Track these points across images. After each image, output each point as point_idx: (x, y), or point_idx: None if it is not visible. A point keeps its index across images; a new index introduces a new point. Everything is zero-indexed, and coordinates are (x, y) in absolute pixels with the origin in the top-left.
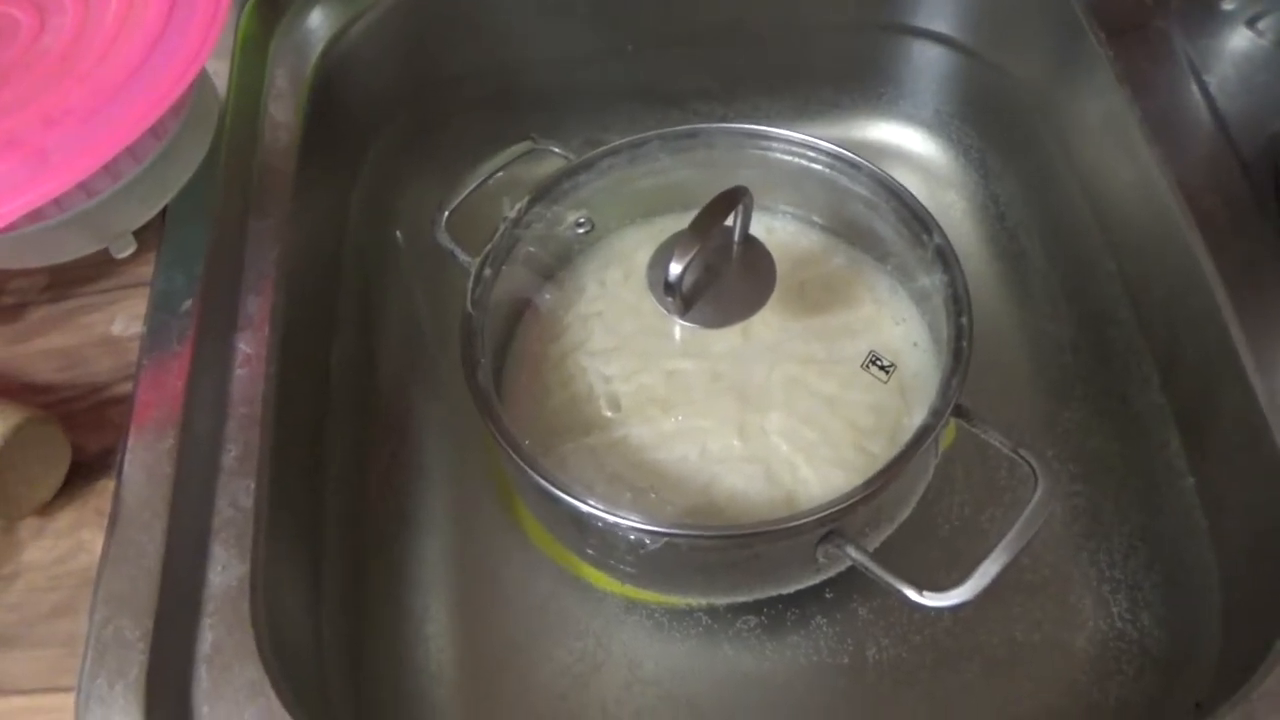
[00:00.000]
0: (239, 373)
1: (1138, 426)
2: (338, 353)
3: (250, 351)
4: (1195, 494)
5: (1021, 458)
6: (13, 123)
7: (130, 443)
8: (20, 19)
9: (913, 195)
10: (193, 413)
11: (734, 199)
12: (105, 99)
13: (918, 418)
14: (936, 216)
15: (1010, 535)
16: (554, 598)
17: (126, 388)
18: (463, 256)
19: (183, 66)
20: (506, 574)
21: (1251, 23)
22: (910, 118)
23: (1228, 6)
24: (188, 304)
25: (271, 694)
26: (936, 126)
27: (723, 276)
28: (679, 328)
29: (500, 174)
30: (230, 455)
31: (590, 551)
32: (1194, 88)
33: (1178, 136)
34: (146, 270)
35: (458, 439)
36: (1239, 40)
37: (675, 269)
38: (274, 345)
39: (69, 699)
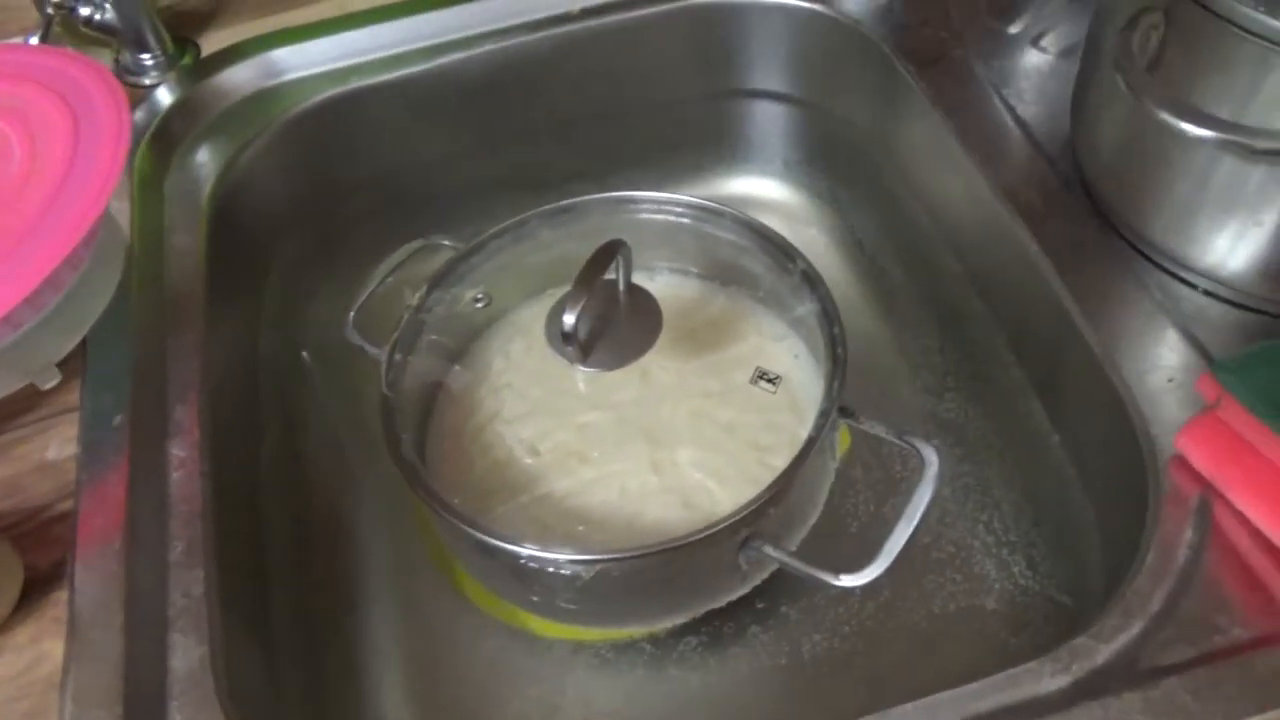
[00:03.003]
0: (175, 475)
1: (1006, 402)
2: (268, 448)
3: (184, 454)
4: (1062, 449)
5: (906, 443)
6: None
7: (79, 552)
8: None
9: (774, 230)
10: (136, 516)
11: (612, 250)
12: (20, 238)
13: (810, 429)
14: (803, 251)
15: (910, 509)
16: (503, 652)
17: (69, 505)
18: (372, 350)
19: (88, 204)
20: (454, 638)
21: (1036, 41)
22: (764, 170)
23: (1014, 30)
24: (119, 419)
25: None
26: (788, 174)
27: (614, 323)
28: (585, 384)
29: (398, 271)
30: (177, 550)
31: (535, 599)
32: (997, 102)
33: (990, 145)
34: (72, 398)
35: (392, 520)
36: (1029, 57)
37: (569, 319)
38: (205, 447)
39: None
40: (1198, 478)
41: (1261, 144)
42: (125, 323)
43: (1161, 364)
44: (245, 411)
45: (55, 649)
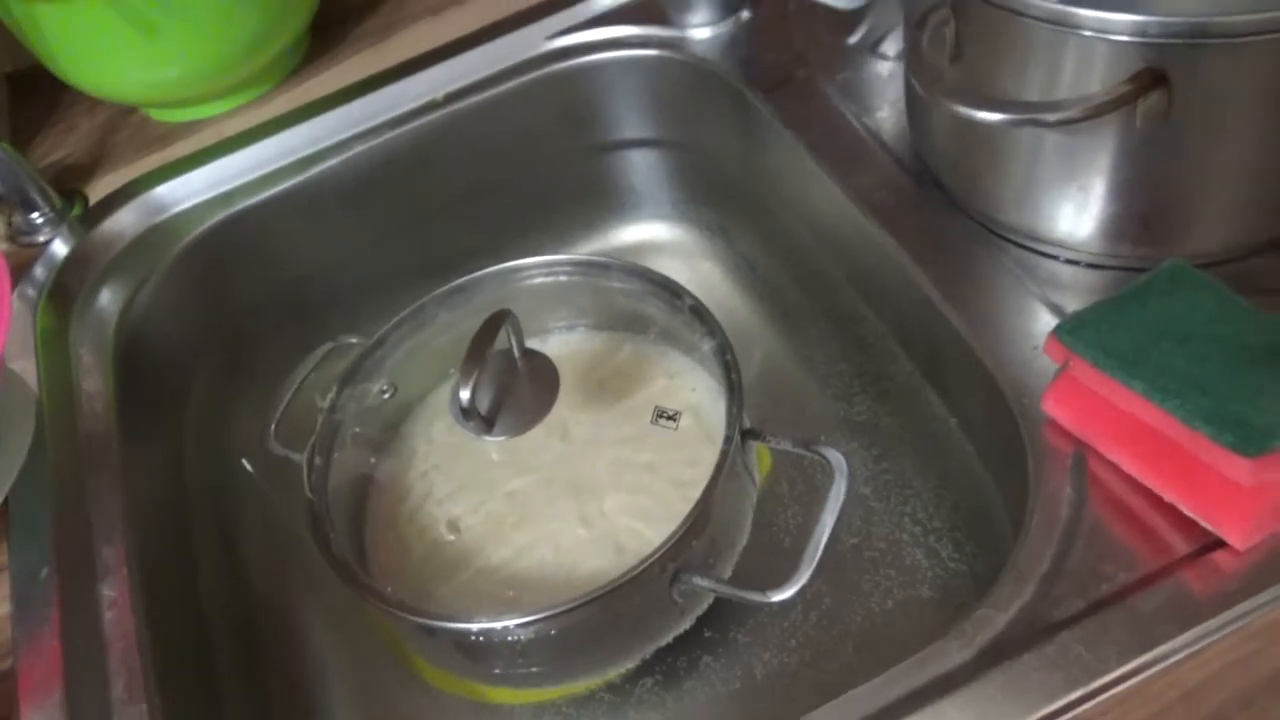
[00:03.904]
0: (109, 615)
1: (906, 396)
2: (207, 569)
3: (114, 594)
4: (960, 431)
5: (814, 453)
6: None
7: (22, 707)
8: None
9: (657, 272)
10: (73, 663)
11: (497, 321)
12: None
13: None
14: (700, 287)
15: (824, 516)
16: None
17: (9, 663)
18: (296, 457)
19: None
20: None
21: (874, 48)
22: (654, 215)
23: (852, 41)
24: (45, 571)
25: None
26: (677, 214)
27: (515, 390)
28: (507, 453)
29: (312, 376)
30: (118, 689)
31: (485, 670)
32: (844, 113)
33: (841, 155)
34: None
35: (345, 615)
36: (870, 65)
37: (464, 395)
38: (136, 583)
39: None
40: (1069, 436)
41: (1052, 117)
42: (43, 476)
43: (1026, 334)
44: (177, 539)
45: None
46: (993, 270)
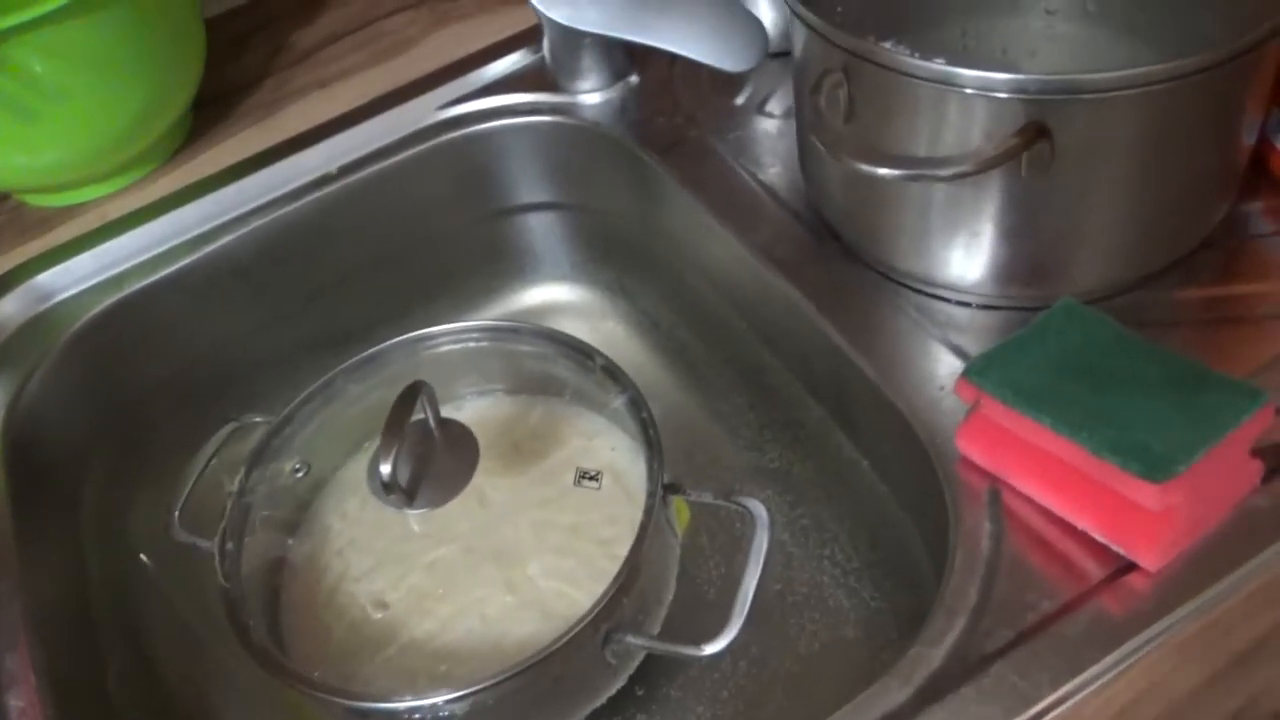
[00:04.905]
0: None
1: (817, 441)
2: (116, 667)
3: (22, 704)
4: (872, 472)
5: (735, 503)
6: None
7: None
8: None
9: (567, 334)
10: None
11: (413, 394)
12: None
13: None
14: (604, 345)
15: (749, 565)
16: None
17: None
18: (204, 544)
19: None
20: None
21: (761, 107)
22: (554, 276)
23: (739, 101)
24: None
25: None
26: (577, 275)
27: (433, 461)
28: (424, 523)
29: (216, 459)
30: None
31: None
32: (738, 170)
33: (739, 211)
34: None
35: (266, 700)
36: (758, 124)
37: (385, 469)
38: (44, 690)
39: None
40: (983, 472)
41: (945, 171)
42: None
43: (932, 376)
44: (83, 638)
45: None
46: (894, 316)
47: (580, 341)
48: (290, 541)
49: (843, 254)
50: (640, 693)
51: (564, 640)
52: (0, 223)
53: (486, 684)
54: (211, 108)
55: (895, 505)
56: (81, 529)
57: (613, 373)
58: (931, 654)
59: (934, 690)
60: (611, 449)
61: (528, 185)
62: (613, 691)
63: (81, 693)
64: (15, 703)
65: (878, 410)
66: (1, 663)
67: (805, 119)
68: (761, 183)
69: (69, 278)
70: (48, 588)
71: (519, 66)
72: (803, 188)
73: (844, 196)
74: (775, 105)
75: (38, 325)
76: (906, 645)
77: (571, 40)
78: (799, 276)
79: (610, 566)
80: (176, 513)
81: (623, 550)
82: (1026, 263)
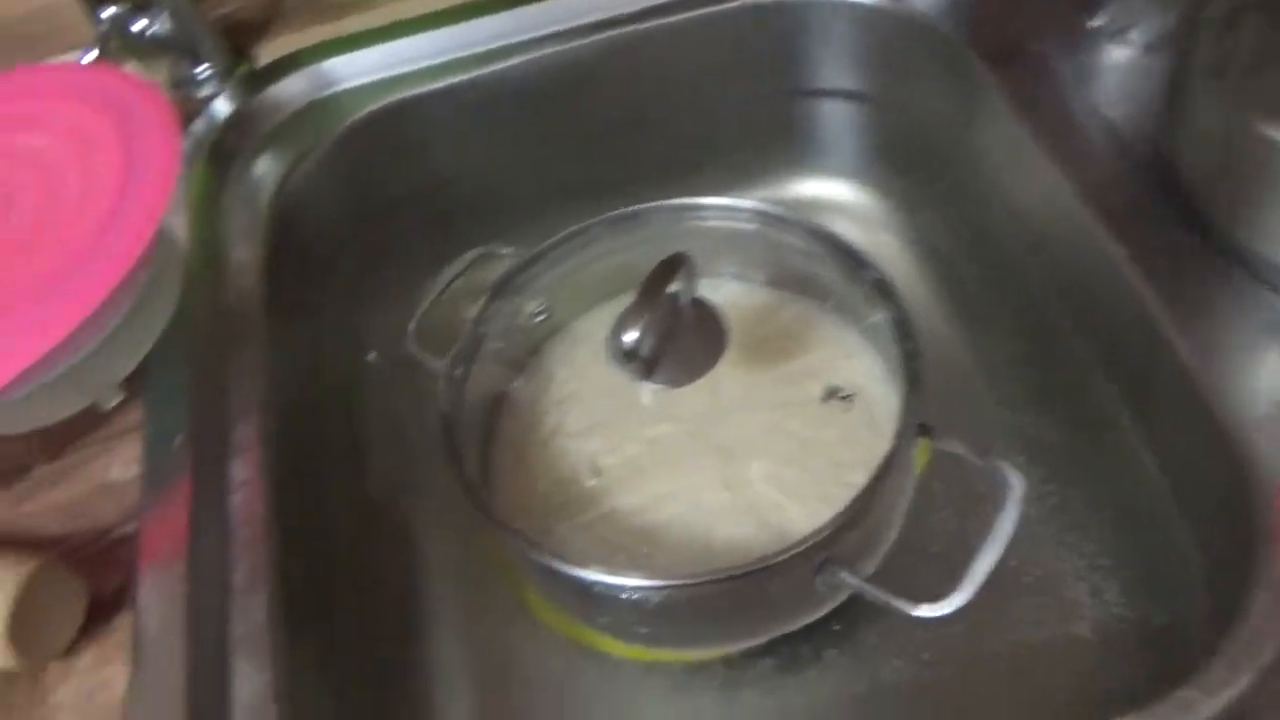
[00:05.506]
0: (235, 497)
1: (1093, 420)
2: (331, 464)
3: (245, 476)
4: (1158, 472)
5: (990, 465)
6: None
7: (142, 576)
8: None
9: (843, 237)
10: (198, 540)
11: (675, 265)
12: (79, 260)
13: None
14: (875, 258)
15: (993, 536)
16: (572, 674)
17: (132, 527)
18: (432, 364)
19: (143, 223)
20: (523, 658)
21: (1119, 35)
22: (834, 171)
23: (1096, 22)
24: (179, 439)
25: None
26: (860, 175)
27: (679, 338)
28: (652, 396)
29: (458, 281)
30: (239, 574)
31: (602, 621)
32: (1077, 101)
33: (1072, 147)
34: (135, 417)
35: (459, 535)
36: (1112, 52)
37: (630, 337)
38: (267, 467)
39: None
40: None
41: None
42: (186, 339)
43: (1271, 391)
44: (307, 426)
45: (118, 675)
46: (1241, 311)
47: (856, 248)
48: (517, 382)
49: (1189, 223)
50: (837, 629)
51: (779, 559)
52: (298, 3)
53: (690, 581)
54: None
55: (1177, 515)
56: (323, 316)
57: (884, 290)
58: (1203, 703)
59: None
60: (859, 366)
61: (831, 69)
62: (809, 621)
63: (298, 480)
64: (239, 473)
65: (1187, 409)
66: (233, 432)
67: (1195, 57)
68: (1106, 120)
69: (355, 68)
70: (286, 367)
71: None
72: (1155, 134)
73: (1212, 157)
74: (1139, 34)
75: (318, 110)
76: (1153, 664)
77: None
78: (1127, 234)
79: (838, 492)
80: (412, 325)
81: (856, 478)
82: None
